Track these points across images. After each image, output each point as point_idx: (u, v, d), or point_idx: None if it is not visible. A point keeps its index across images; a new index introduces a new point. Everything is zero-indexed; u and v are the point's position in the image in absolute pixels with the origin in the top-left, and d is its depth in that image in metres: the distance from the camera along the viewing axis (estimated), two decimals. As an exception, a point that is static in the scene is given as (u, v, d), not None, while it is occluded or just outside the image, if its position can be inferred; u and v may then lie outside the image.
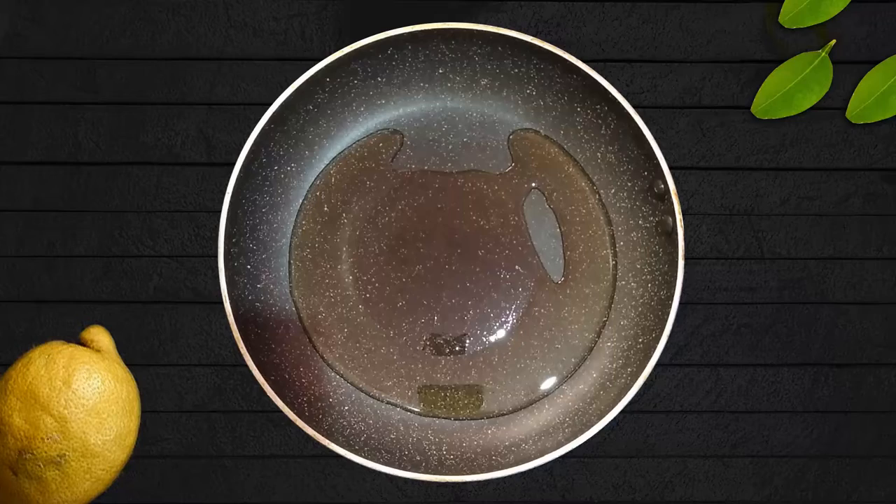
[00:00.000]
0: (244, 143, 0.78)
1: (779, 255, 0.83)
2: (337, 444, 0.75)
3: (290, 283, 0.81)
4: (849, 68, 0.84)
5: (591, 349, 0.80)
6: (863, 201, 0.83)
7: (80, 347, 0.76)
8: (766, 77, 0.83)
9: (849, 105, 0.83)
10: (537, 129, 0.83)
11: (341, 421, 0.78)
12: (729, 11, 0.84)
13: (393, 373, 0.80)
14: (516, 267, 0.81)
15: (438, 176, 0.82)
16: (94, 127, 0.83)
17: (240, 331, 0.76)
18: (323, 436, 0.75)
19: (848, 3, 0.82)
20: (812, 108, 0.83)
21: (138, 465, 0.81)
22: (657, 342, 0.76)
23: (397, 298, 0.81)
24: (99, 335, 0.78)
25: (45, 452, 0.73)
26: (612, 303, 0.81)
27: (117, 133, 0.83)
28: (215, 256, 0.79)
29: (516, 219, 0.82)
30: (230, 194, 0.77)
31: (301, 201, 0.82)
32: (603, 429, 0.77)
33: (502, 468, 0.75)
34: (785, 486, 0.82)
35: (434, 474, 0.75)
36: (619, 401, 0.76)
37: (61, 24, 0.83)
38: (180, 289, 0.82)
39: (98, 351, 0.77)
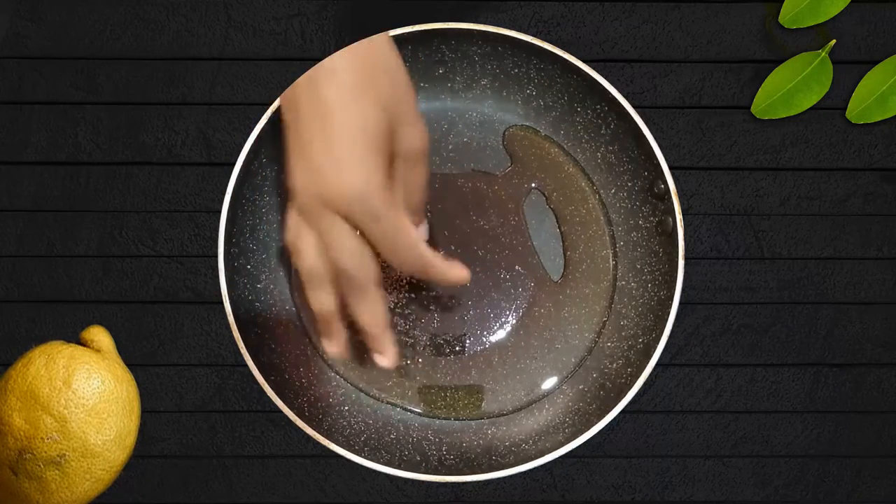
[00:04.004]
0: (244, 143, 0.78)
1: (779, 255, 0.83)
2: (337, 444, 0.75)
3: (290, 283, 0.81)
4: (849, 68, 0.84)
5: (591, 349, 0.80)
6: (863, 201, 0.83)
7: (80, 347, 0.76)
8: (766, 77, 0.83)
9: (849, 105, 0.83)
10: (537, 128, 0.83)
11: (341, 421, 0.78)
12: (729, 11, 0.84)
13: (393, 373, 0.80)
14: (516, 267, 0.81)
15: (438, 176, 0.82)
16: (94, 127, 0.83)
17: (240, 331, 0.76)
18: (323, 436, 0.75)
19: (848, 3, 0.82)
20: (812, 108, 0.83)
21: (138, 465, 0.81)
22: (657, 342, 0.76)
23: (397, 298, 0.81)
24: (99, 335, 0.78)
25: (45, 452, 0.73)
26: (612, 303, 0.81)
27: (117, 133, 0.83)
28: (215, 256, 0.79)
29: (516, 219, 0.82)
30: (230, 194, 0.77)
31: (301, 201, 0.82)
32: (603, 429, 0.77)
33: (502, 468, 0.75)
34: (785, 486, 0.82)
35: (434, 474, 0.75)
36: (619, 401, 0.76)
37: (61, 24, 0.84)
38: (180, 289, 0.82)
39: (98, 351, 0.77)
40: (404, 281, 0.81)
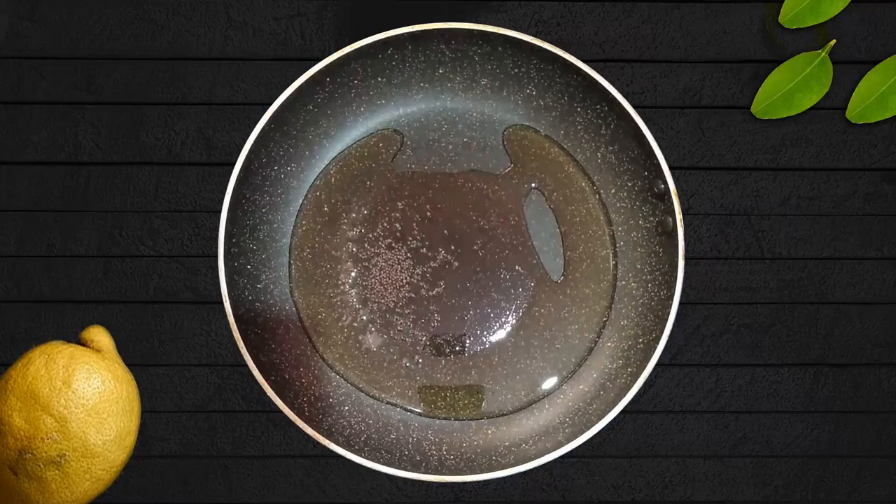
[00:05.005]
0: (244, 143, 0.78)
1: (779, 255, 0.83)
2: (337, 444, 0.75)
3: (290, 283, 0.81)
4: (849, 68, 0.84)
5: (591, 349, 0.80)
6: (863, 201, 0.83)
7: (80, 347, 0.76)
8: (766, 77, 0.83)
9: (849, 105, 0.83)
10: (537, 128, 0.83)
11: (341, 421, 0.78)
12: (729, 11, 0.84)
13: (393, 373, 0.80)
14: (516, 267, 0.81)
15: (438, 176, 0.82)
16: (94, 127, 0.83)
17: (240, 331, 0.76)
18: (323, 436, 0.75)
19: (848, 3, 0.82)
20: (812, 108, 0.83)
21: (138, 465, 0.81)
22: (657, 342, 0.76)
23: (397, 298, 0.81)
24: (99, 335, 0.78)
25: (45, 452, 0.73)
26: (612, 303, 0.81)
27: (117, 133, 0.83)
28: (215, 256, 0.79)
29: (516, 219, 0.82)
30: (230, 194, 0.77)
31: (301, 201, 0.82)
32: (603, 429, 0.77)
33: (502, 468, 0.75)
34: (785, 486, 0.82)
35: (434, 474, 0.75)
36: (619, 401, 0.76)
37: (61, 24, 0.83)
38: (180, 289, 0.82)
39: (98, 351, 0.77)
40: (404, 281, 0.81)
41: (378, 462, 0.75)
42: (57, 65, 0.83)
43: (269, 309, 0.80)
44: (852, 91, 0.83)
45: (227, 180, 0.78)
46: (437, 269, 0.81)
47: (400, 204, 0.82)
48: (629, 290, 0.81)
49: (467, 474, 0.75)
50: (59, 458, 0.73)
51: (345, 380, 0.80)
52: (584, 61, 0.79)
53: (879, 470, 0.82)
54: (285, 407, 0.75)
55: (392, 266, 0.81)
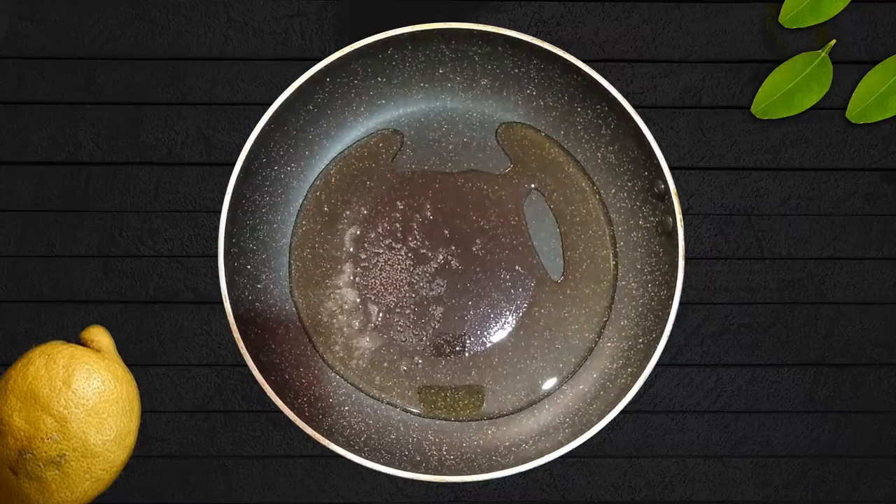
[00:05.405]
0: (244, 143, 0.78)
1: (779, 255, 0.83)
2: (337, 444, 0.75)
3: (290, 283, 0.81)
4: (849, 68, 0.84)
5: (591, 349, 0.80)
6: (863, 201, 0.83)
7: (80, 347, 0.76)
8: (766, 77, 0.83)
9: (849, 105, 0.83)
10: (537, 128, 0.83)
11: (341, 421, 0.78)
12: (729, 11, 0.84)
13: (393, 373, 0.80)
14: (516, 267, 0.81)
15: (438, 176, 0.82)
16: (94, 127, 0.83)
17: (240, 331, 0.76)
18: (323, 436, 0.75)
19: (848, 3, 0.82)
20: (812, 108, 0.83)
21: (138, 465, 0.81)
22: (657, 342, 0.76)
23: (397, 298, 0.81)
24: (99, 335, 0.78)
25: (45, 452, 0.73)
26: (612, 303, 0.81)
27: (117, 133, 0.83)
28: (215, 256, 0.79)
29: (516, 219, 0.82)
30: (230, 194, 0.77)
31: (301, 201, 0.82)
32: (603, 429, 0.76)
33: (502, 468, 0.75)
34: (785, 486, 0.82)
35: (434, 474, 0.75)
36: (619, 401, 0.76)
37: (61, 24, 0.83)
38: (180, 289, 0.82)
39: (98, 351, 0.77)
40: (404, 281, 0.81)
41: (378, 462, 0.75)
42: (57, 65, 0.83)
43: (269, 309, 0.80)
44: (852, 91, 0.83)
45: (227, 180, 0.78)
46: (437, 269, 0.81)
47: (400, 204, 0.82)
48: (629, 290, 0.81)
49: (467, 474, 0.75)
50: (59, 458, 0.73)
51: (345, 380, 0.80)
52: (584, 61, 0.79)
53: (879, 470, 0.82)
54: (285, 407, 0.75)
55: (392, 266, 0.81)
